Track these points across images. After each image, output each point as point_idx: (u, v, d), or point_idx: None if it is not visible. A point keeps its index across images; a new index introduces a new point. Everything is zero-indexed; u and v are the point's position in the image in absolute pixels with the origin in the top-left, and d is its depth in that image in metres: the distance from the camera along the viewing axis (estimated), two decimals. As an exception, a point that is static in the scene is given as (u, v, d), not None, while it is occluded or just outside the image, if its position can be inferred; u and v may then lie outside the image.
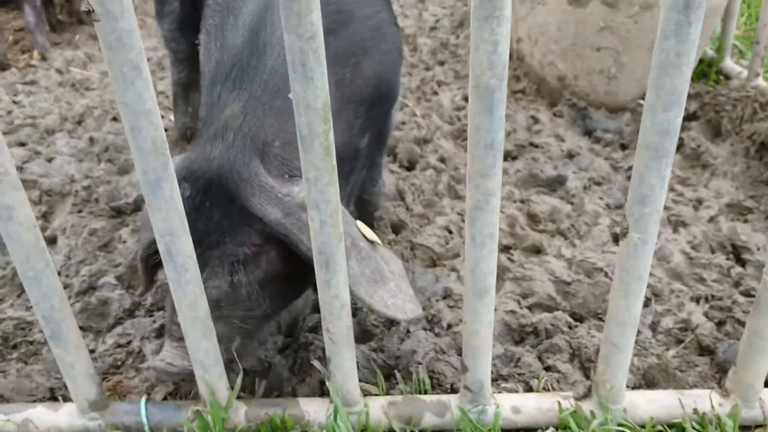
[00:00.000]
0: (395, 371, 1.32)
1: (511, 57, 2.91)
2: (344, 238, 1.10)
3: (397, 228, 1.81)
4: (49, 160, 2.24)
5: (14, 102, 2.87)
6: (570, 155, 2.22)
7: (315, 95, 0.88)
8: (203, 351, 1.12)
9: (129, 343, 1.49)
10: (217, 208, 1.11)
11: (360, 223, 1.21)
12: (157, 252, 1.25)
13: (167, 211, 0.97)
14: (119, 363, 1.45)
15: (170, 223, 0.98)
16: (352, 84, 1.33)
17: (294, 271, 1.19)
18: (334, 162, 0.95)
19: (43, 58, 3.40)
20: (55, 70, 3.24)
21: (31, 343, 1.53)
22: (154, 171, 0.93)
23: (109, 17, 0.82)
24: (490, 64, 0.85)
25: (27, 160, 2.24)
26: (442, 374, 1.31)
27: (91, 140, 2.34)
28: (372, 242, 1.19)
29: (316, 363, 1.26)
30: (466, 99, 2.65)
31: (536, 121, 2.45)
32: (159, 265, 1.29)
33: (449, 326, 1.45)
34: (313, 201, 0.96)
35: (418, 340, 1.40)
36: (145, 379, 1.39)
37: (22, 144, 2.43)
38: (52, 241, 1.82)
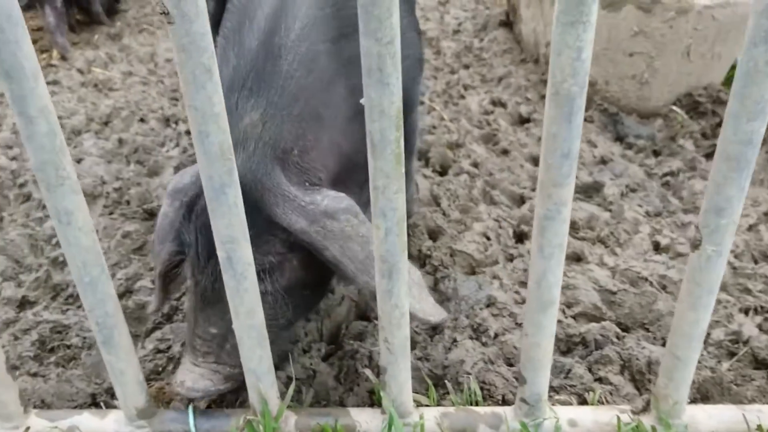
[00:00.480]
0: (445, 381, 1.30)
1: (537, 61, 2.89)
2: (370, 243, 1.10)
3: (434, 234, 1.79)
4: (78, 161, 2.22)
5: (38, 102, 2.86)
6: (603, 161, 2.20)
7: (390, 101, 0.85)
8: (257, 359, 1.10)
9: (169, 348, 1.47)
10: None
11: None
12: (174, 267, 1.23)
13: (230, 218, 0.95)
14: (160, 369, 1.43)
15: (232, 230, 0.96)
16: None
17: (314, 278, 1.20)
18: (403, 169, 0.93)
19: (63, 58, 3.39)
20: (77, 70, 3.22)
21: (69, 347, 1.51)
22: (219, 177, 0.91)
23: (184, 20, 0.80)
24: (573, 71, 0.83)
25: (55, 160, 2.22)
26: (493, 385, 1.29)
27: (120, 141, 2.33)
28: None
29: (367, 372, 1.24)
30: (493, 103, 2.63)
31: (567, 126, 2.42)
32: (175, 279, 1.28)
33: (496, 335, 1.43)
34: (379, 209, 0.94)
35: (466, 349, 1.37)
36: (187, 386, 1.37)
37: (49, 144, 2.41)
38: (85, 244, 1.80)
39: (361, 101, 0.88)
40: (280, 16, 1.23)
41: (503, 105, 2.60)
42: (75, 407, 1.34)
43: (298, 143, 1.16)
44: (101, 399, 1.36)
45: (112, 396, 1.38)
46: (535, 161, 2.25)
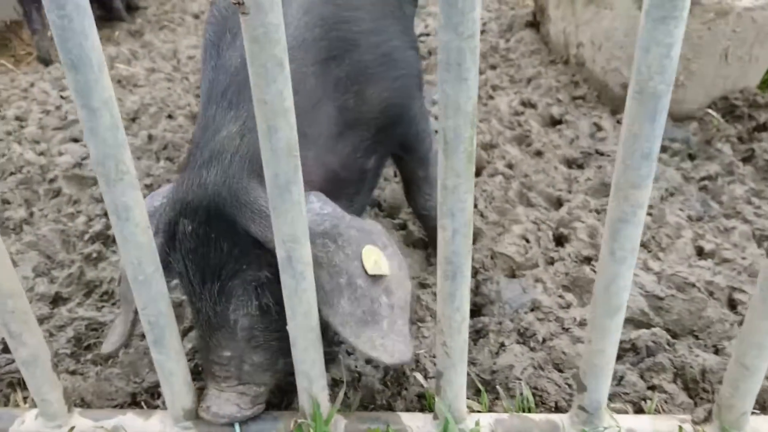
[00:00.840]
0: (496, 387, 1.27)
1: (568, 62, 2.85)
2: (341, 275, 1.04)
3: (473, 236, 1.75)
4: (107, 156, 2.20)
5: (62, 97, 2.85)
6: (639, 164, 2.16)
7: (467, 96, 0.83)
8: (311, 362, 1.07)
9: (208, 348, 1.44)
10: (224, 237, 1.06)
11: (369, 249, 1.10)
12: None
13: (293, 216, 0.92)
14: (200, 369, 1.41)
15: (294, 228, 0.93)
16: (356, 110, 1.30)
17: None
18: (474, 169, 0.90)
19: (86, 54, 3.37)
20: (100, 65, 3.21)
21: (105, 345, 1.49)
22: (285, 174, 0.89)
23: (260, 11, 0.78)
24: (661, 68, 0.79)
25: (85, 156, 2.20)
26: (545, 391, 1.25)
27: (150, 137, 2.30)
28: (374, 276, 1.09)
29: (418, 376, 1.21)
30: (523, 104, 2.60)
31: (599, 128, 2.39)
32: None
33: (544, 340, 1.39)
34: (448, 209, 0.91)
35: (514, 354, 1.34)
36: (229, 387, 1.34)
37: (76, 140, 2.40)
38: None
39: (435, 97, 0.85)
40: None
41: (533, 106, 2.57)
42: (115, 406, 1.32)
43: None
44: (141, 398, 1.34)
45: (152, 395, 1.36)
46: (569, 163, 2.21)
